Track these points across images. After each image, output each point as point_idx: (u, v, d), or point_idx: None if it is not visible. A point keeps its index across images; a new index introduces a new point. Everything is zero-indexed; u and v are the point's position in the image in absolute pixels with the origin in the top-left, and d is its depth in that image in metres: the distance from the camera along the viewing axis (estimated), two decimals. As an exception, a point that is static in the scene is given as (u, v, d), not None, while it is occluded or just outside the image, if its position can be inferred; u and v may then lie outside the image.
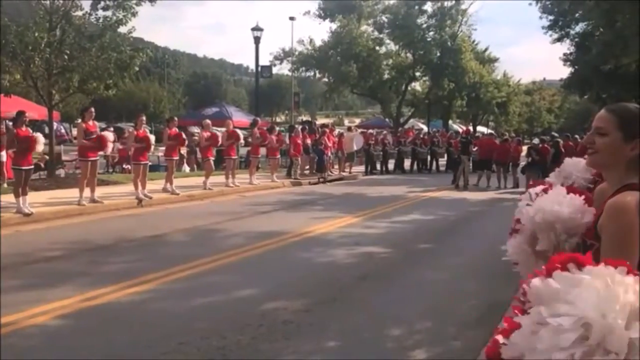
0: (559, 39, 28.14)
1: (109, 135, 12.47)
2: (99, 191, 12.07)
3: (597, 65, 22.68)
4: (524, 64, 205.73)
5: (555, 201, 2.07)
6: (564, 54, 29.49)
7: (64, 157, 17.80)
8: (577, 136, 21.97)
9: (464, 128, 32.60)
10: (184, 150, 14.87)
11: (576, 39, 27.94)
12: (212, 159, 15.20)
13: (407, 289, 6.62)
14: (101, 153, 13.27)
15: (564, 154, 17.52)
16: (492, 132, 31.60)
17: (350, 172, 22.24)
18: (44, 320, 5.08)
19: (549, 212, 2.04)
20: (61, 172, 15.84)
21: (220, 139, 15.31)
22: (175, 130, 14.08)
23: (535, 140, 19.45)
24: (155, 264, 7.12)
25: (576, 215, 2.01)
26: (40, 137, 10.60)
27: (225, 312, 5.47)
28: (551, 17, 26.86)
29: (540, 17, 26.82)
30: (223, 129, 15.85)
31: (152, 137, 13.18)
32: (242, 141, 16.63)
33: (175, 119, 15.32)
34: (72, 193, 11.97)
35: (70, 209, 11.04)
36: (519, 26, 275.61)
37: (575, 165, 3.19)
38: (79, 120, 12.30)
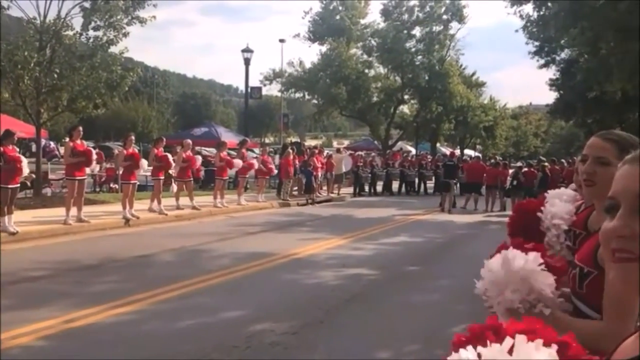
0: (545, 65, 28.52)
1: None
2: (86, 210, 11.99)
3: (582, 91, 23.00)
4: (511, 88, 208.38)
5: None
6: (550, 79, 29.90)
7: (50, 176, 17.66)
8: (563, 160, 22.21)
9: (450, 151, 32.70)
10: (171, 170, 14.70)
11: (562, 65, 28.35)
12: (190, 179, 14.96)
13: (395, 311, 6.62)
14: (88, 171, 13.18)
15: (551, 177, 17.79)
16: (479, 155, 31.87)
17: (338, 194, 22.27)
18: (28, 341, 5.02)
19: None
20: (47, 191, 15.70)
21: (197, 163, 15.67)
22: (161, 151, 13.96)
23: (519, 164, 19.63)
24: (141, 285, 7.06)
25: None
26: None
27: (212, 334, 5.43)
28: (537, 43, 27.23)
29: (527, 43, 27.19)
30: (212, 150, 15.83)
31: (144, 162, 13.06)
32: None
33: (164, 139, 15.19)
34: (58, 212, 11.89)
35: (56, 228, 10.95)
36: (506, 51, 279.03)
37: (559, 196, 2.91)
38: (67, 139, 12.23)
